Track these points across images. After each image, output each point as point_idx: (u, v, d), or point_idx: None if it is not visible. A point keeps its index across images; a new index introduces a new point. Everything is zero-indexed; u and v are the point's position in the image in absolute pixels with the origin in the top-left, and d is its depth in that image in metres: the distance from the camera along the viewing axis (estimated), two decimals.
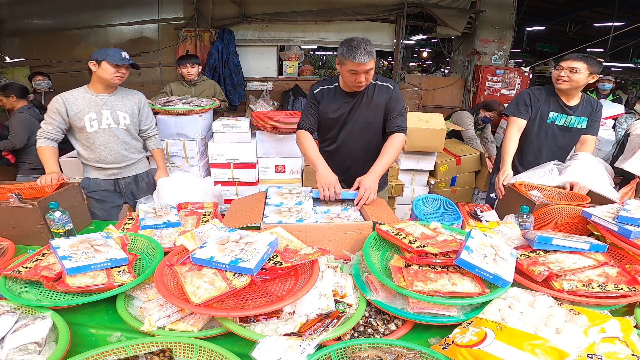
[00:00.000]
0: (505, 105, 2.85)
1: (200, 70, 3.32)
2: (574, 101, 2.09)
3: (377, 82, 1.81)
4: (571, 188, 1.83)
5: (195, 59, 3.30)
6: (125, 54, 1.96)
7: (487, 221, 1.61)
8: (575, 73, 1.94)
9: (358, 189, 1.61)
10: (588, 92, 5.28)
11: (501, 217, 1.65)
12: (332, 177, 1.64)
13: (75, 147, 2.10)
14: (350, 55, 1.58)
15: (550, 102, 2.10)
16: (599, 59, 1.98)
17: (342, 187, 1.66)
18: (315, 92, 1.87)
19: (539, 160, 2.16)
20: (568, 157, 2.15)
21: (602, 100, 4.51)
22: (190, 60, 3.22)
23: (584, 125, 2.11)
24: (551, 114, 2.11)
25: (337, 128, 1.89)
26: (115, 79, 1.96)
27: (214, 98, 3.17)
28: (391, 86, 1.82)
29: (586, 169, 1.90)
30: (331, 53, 7.47)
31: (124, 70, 1.97)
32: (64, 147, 2.25)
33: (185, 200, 1.87)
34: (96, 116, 1.99)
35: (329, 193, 1.60)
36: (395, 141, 1.77)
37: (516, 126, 2.12)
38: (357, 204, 1.57)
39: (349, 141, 1.90)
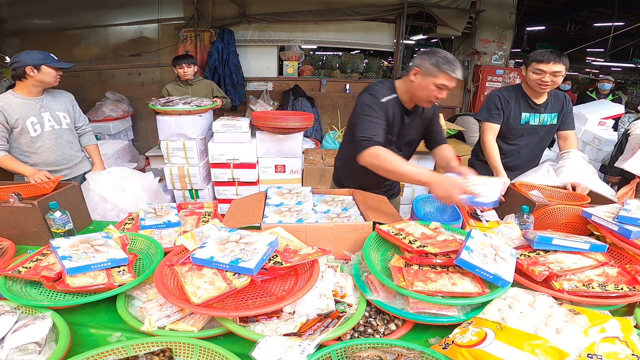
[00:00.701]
0: None
1: (196, 70, 3.30)
2: (542, 99, 2.06)
3: None
4: (573, 189, 1.82)
5: (191, 58, 3.27)
6: (54, 57, 2.03)
7: (487, 221, 1.61)
8: (558, 76, 1.90)
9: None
10: (588, 92, 5.28)
11: (501, 217, 1.65)
12: (454, 184, 1.31)
13: (15, 154, 2.04)
14: (449, 68, 1.42)
15: (520, 102, 2.07)
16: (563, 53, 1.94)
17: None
18: (382, 100, 1.56)
19: (519, 161, 2.16)
20: (551, 156, 2.13)
21: (602, 100, 4.52)
22: (185, 60, 3.19)
23: (555, 121, 2.10)
24: (523, 114, 2.07)
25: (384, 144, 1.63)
26: (56, 81, 2.01)
27: (215, 98, 3.16)
28: (437, 103, 1.69)
29: (580, 166, 1.90)
30: (331, 53, 7.45)
31: (61, 72, 2.04)
32: None
33: (117, 194, 1.84)
34: (37, 120, 2.00)
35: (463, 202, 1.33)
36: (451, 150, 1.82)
37: (492, 132, 2.08)
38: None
39: None
